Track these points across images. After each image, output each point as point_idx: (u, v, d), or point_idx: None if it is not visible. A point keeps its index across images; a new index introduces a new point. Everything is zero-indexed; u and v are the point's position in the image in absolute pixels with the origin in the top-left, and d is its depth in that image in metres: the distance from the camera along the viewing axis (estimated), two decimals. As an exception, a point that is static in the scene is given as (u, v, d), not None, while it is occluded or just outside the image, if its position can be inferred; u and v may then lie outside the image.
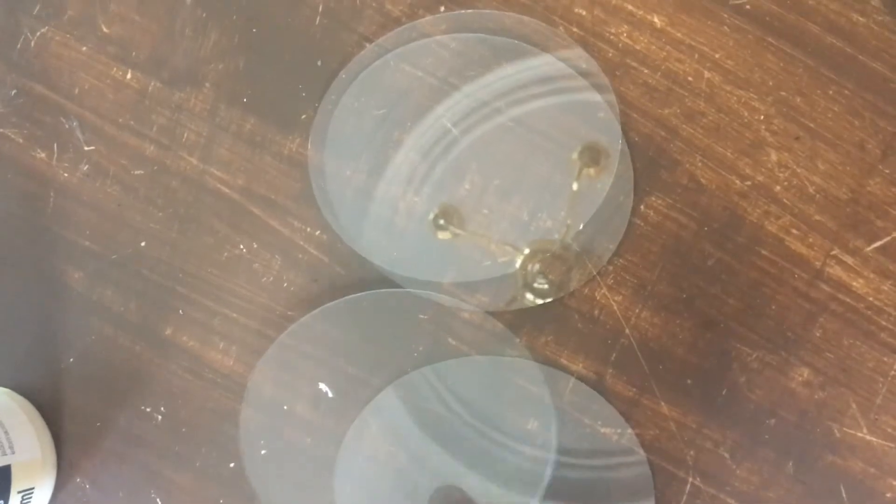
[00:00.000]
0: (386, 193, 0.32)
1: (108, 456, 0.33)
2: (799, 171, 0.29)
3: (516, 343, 0.31)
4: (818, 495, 0.31)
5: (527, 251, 0.30)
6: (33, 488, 0.32)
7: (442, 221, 0.31)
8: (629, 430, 0.30)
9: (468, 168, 0.31)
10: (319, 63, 0.32)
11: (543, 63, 0.30)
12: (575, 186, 0.30)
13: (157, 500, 0.33)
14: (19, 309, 0.33)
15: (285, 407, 0.32)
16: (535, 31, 0.30)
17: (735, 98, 0.30)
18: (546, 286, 0.30)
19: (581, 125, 0.30)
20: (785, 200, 0.30)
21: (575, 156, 0.30)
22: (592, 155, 0.30)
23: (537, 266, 0.30)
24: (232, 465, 0.32)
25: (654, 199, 0.30)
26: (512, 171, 0.31)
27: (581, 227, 0.31)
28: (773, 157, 0.30)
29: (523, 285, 0.30)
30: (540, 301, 0.30)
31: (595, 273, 0.31)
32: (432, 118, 0.31)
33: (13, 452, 0.31)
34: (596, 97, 0.29)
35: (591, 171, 0.30)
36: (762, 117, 0.30)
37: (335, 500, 0.31)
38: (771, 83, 0.29)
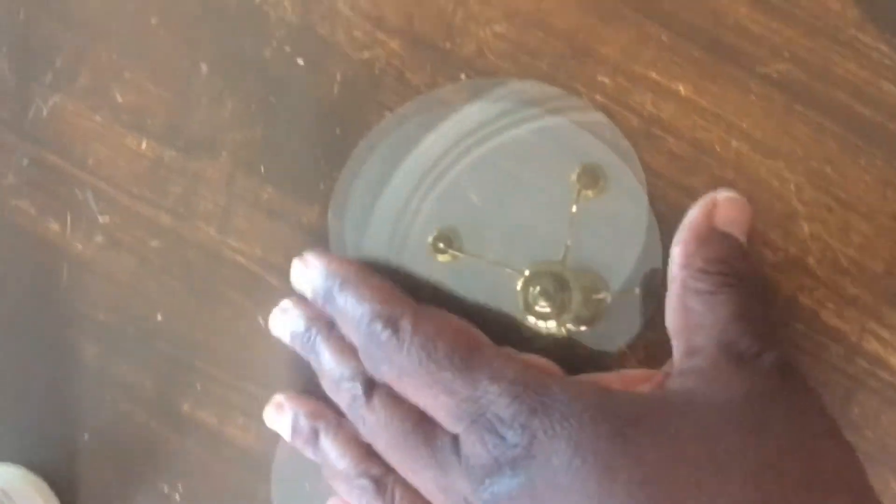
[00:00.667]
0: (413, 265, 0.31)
1: None
2: (832, 242, 0.29)
3: None
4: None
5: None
6: None
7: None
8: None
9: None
10: (338, 132, 0.31)
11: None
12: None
13: None
14: (33, 384, 0.33)
15: (307, 485, 0.31)
16: (557, 96, 0.30)
17: (764, 167, 0.29)
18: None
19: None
20: (818, 273, 0.29)
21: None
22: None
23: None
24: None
25: None
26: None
27: (608, 298, 0.30)
28: (805, 228, 0.29)
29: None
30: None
31: (625, 349, 0.30)
32: (454, 185, 0.31)
33: None
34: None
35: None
36: (793, 187, 0.29)
37: None
38: (800, 153, 0.29)
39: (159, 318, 0.32)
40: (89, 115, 0.33)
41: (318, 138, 0.32)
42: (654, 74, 0.30)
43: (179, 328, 0.32)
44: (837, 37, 0.29)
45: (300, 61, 0.31)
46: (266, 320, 0.32)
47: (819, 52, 0.29)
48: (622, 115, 0.30)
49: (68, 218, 0.33)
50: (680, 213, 0.29)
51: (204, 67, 0.32)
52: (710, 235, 0.26)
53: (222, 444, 0.32)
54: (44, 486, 0.33)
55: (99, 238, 0.33)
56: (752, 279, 0.25)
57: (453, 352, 0.25)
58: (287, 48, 0.31)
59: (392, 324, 0.26)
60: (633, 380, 0.26)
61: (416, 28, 0.31)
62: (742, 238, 0.26)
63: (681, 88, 0.30)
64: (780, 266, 0.29)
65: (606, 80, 0.30)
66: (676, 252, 0.26)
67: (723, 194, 0.27)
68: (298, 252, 0.31)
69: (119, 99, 0.32)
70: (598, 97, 0.30)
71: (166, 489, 0.32)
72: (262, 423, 0.32)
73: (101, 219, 0.33)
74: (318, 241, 0.32)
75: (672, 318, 0.26)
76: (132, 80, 0.32)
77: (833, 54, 0.29)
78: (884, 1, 0.28)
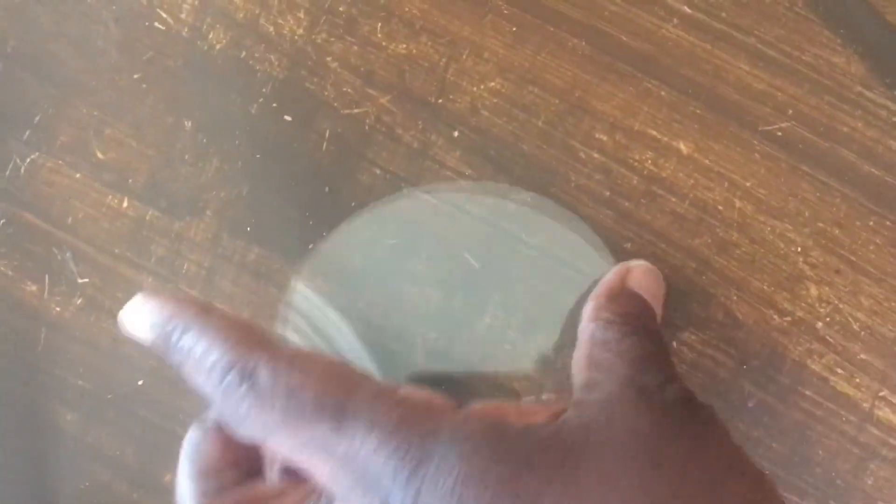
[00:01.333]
0: (402, 328, 0.30)
1: None
2: (841, 306, 0.28)
3: None
4: None
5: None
6: None
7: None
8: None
9: (490, 300, 0.29)
10: (327, 190, 0.30)
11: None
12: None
13: None
14: (7, 452, 0.32)
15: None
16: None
17: (769, 228, 0.28)
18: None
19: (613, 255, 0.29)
20: (828, 338, 0.28)
21: None
22: None
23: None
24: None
25: (687, 335, 0.29)
26: (536, 304, 0.29)
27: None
28: (813, 291, 0.28)
29: None
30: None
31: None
32: (449, 247, 0.30)
33: None
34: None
35: None
36: (799, 249, 0.28)
37: None
38: (807, 213, 0.28)
39: (140, 383, 0.31)
40: (69, 172, 0.32)
41: (307, 196, 0.31)
42: (653, 132, 0.29)
43: (161, 394, 0.31)
44: (843, 94, 0.28)
45: (287, 118, 0.30)
46: None
47: (824, 111, 0.28)
48: (621, 173, 0.29)
49: (46, 279, 0.32)
50: (682, 275, 0.28)
51: (188, 124, 0.31)
52: (620, 293, 0.26)
53: None
54: None
55: (78, 300, 0.32)
56: (656, 332, 0.25)
57: (323, 401, 0.21)
58: (274, 104, 0.31)
59: (249, 375, 0.22)
60: (530, 411, 0.24)
61: (408, 83, 0.30)
62: (652, 302, 0.26)
63: (682, 146, 0.29)
64: (787, 330, 0.28)
65: (604, 138, 0.29)
66: (587, 308, 0.26)
67: (637, 262, 0.27)
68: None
69: (100, 156, 0.31)
70: (596, 155, 0.29)
71: None
72: None
73: (80, 280, 0.32)
74: (303, 307, 0.30)
75: (576, 367, 0.25)
76: (113, 137, 0.31)
77: (839, 112, 0.28)
78: (890, 57, 0.28)
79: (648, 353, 0.24)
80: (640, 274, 0.27)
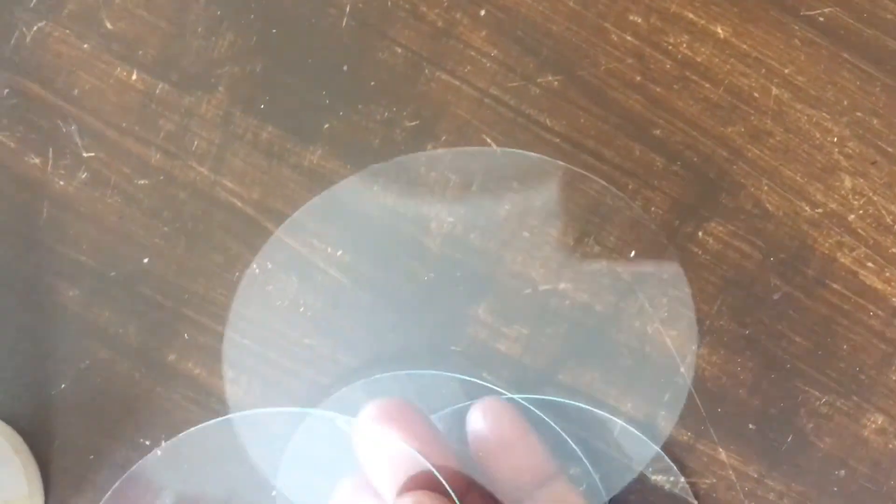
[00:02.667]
0: (416, 213, 0.29)
1: (102, 493, 0.31)
2: (875, 198, 0.27)
3: (558, 381, 0.29)
4: (892, 555, 0.29)
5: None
6: None
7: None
8: (682, 479, 0.28)
9: (508, 186, 0.29)
10: (345, 68, 0.30)
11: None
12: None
13: None
14: (7, 329, 0.31)
15: (299, 445, 0.30)
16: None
17: (806, 117, 0.28)
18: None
19: (638, 143, 0.28)
20: (860, 230, 0.28)
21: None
22: None
23: (585, 296, 0.28)
24: (238, 506, 0.30)
25: (713, 225, 0.28)
26: (557, 191, 0.29)
27: (632, 254, 0.28)
28: (847, 182, 0.27)
29: None
30: None
31: (646, 304, 0.29)
32: (470, 131, 0.29)
33: None
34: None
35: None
36: (835, 139, 0.28)
37: None
38: (846, 102, 0.27)
39: (145, 261, 0.31)
40: (76, 42, 0.31)
41: (324, 75, 0.29)
42: (690, 14, 0.28)
43: (167, 273, 0.31)
44: (890, -23, 0.27)
45: (307, -11, 0.29)
46: (261, 268, 0.30)
47: (869, -5, 0.27)
48: (654, 57, 0.28)
49: (50, 152, 0.31)
50: (713, 163, 0.27)
51: (202, -7, 0.30)
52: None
53: (209, 397, 0.31)
54: (16, 437, 0.31)
55: (83, 175, 0.31)
56: None
57: None
58: (294, -26, 0.29)
59: None
60: None
61: (435, -43, 0.29)
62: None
63: (719, 30, 0.28)
64: (818, 222, 0.28)
65: (639, 20, 0.28)
66: None
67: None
68: (299, 196, 0.29)
69: (109, 26, 0.30)
70: (629, 38, 0.28)
71: (148, 443, 0.31)
72: (253, 377, 0.30)
73: (85, 154, 0.31)
74: (322, 185, 0.30)
75: None
76: (123, 7, 0.30)
77: (884, -3, 0.27)
78: (941, -59, 0.27)
79: None
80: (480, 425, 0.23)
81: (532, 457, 0.24)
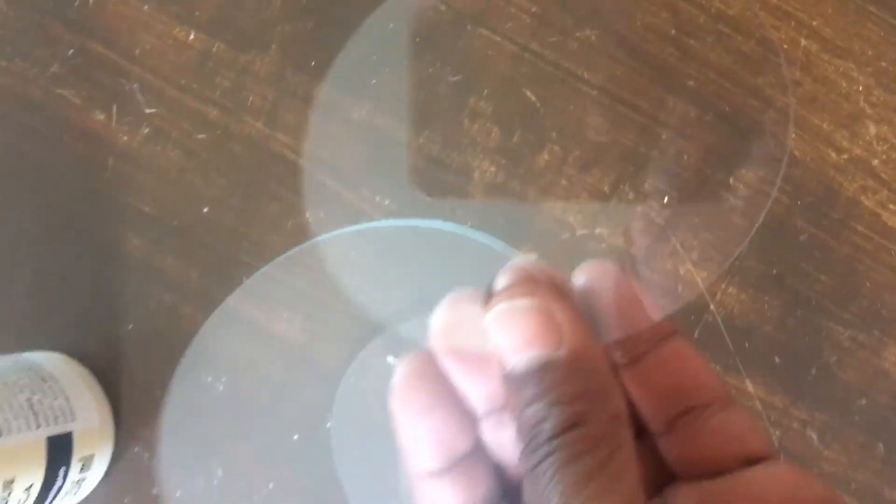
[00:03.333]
0: (459, 163, 0.31)
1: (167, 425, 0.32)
2: (899, 144, 0.29)
3: None
4: (910, 479, 0.30)
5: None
6: (93, 455, 0.32)
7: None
8: None
9: (547, 137, 0.30)
10: (391, 26, 0.31)
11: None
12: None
13: (219, 471, 0.33)
14: (77, 275, 0.33)
15: (351, 381, 0.31)
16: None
17: (833, 68, 0.29)
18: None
19: (671, 94, 0.29)
20: (883, 175, 0.29)
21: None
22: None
23: (620, 240, 0.30)
24: (296, 437, 0.32)
25: (744, 171, 0.29)
26: (594, 141, 0.30)
27: (665, 199, 0.30)
28: (872, 129, 0.29)
29: None
30: None
31: (679, 246, 0.30)
32: (511, 85, 0.30)
33: (74, 419, 0.31)
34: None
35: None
36: (861, 88, 0.29)
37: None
38: (871, 53, 0.28)
39: (205, 211, 0.32)
40: (137, 4, 0.32)
41: (371, 32, 0.31)
42: (722, -30, 0.29)
43: (225, 222, 0.32)
44: (916, -69, 0.28)
45: (356, -50, 0.31)
46: (314, 217, 0.31)
47: (897, -53, 0.28)
48: (688, 11, 0.29)
49: (114, 109, 0.32)
50: (744, 113, 0.28)
51: (257, -45, 0.31)
52: (507, 395, 0.18)
53: (267, 337, 0.32)
54: (88, 374, 0.33)
55: (145, 130, 0.32)
56: (569, 443, 0.17)
57: None
58: (343, -64, 0.31)
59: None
60: None
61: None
62: (545, 350, 0.18)
63: (750, -15, 0.29)
64: (844, 167, 0.29)
65: (672, -24, 0.29)
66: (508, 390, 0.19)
67: (491, 313, 0.19)
68: (348, 149, 0.31)
69: (167, -12, 0.32)
70: (663, -7, 0.29)
71: (210, 379, 0.32)
72: (307, 317, 0.31)
73: (147, 110, 0.32)
74: (369, 138, 0.31)
75: None
76: (181, -31, 0.32)
77: (911, -50, 0.28)
78: None
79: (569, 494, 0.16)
80: (508, 332, 0.18)
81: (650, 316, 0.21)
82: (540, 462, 0.17)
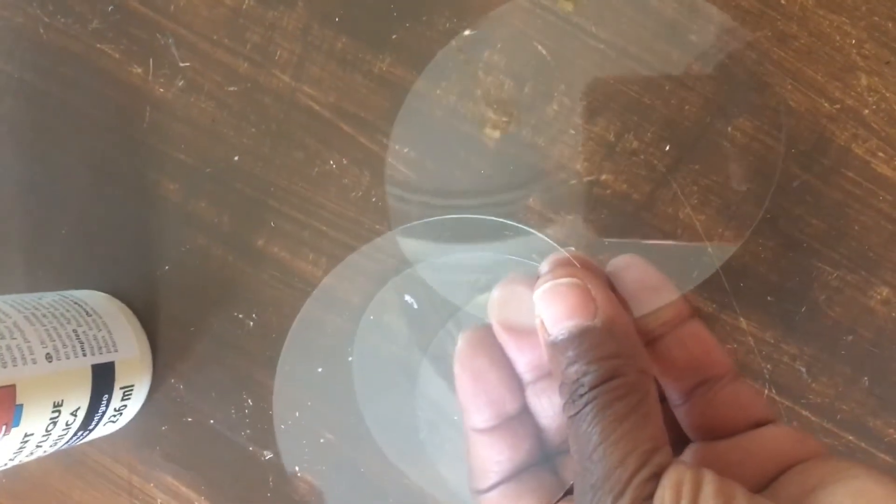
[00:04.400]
0: (474, 113, 0.32)
1: (201, 359, 0.35)
2: (888, 95, 0.30)
3: (599, 261, 0.32)
4: (892, 409, 0.32)
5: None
6: (133, 385, 0.34)
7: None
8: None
9: (557, 89, 0.32)
10: (412, -16, 0.32)
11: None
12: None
13: (249, 400, 0.35)
14: (117, 218, 0.35)
15: (371, 317, 0.33)
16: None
17: (827, 22, 0.30)
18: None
19: (675, 48, 0.30)
20: (873, 124, 0.30)
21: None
22: None
23: (624, 186, 0.31)
24: (320, 369, 0.34)
25: (742, 121, 0.31)
26: (600, 93, 0.31)
27: (667, 148, 0.31)
28: (864, 81, 0.30)
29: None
30: None
31: (679, 192, 0.31)
32: (523, 39, 0.32)
33: (116, 351, 0.33)
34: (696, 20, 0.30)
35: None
36: (854, 41, 0.30)
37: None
38: (864, 8, 0.30)
39: (236, 159, 0.34)
40: (171, -37, 0.34)
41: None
42: (723, -73, 0.30)
43: (255, 169, 0.34)
44: None
45: (378, -90, 0.32)
46: (337, 164, 0.33)
47: None
48: (690, -32, 0.30)
49: (150, 62, 0.34)
50: (741, 65, 0.29)
51: (285, -84, 0.33)
52: (551, 356, 0.22)
53: (293, 277, 0.34)
54: (127, 310, 0.35)
55: (180, 82, 0.34)
56: (608, 390, 0.20)
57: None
58: None
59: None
60: None
61: None
62: (584, 318, 0.21)
63: (750, -58, 0.30)
64: (836, 117, 0.30)
65: (677, -65, 0.30)
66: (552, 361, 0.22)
67: (538, 291, 0.22)
68: (370, 100, 0.32)
69: (200, -53, 0.33)
70: (667, -49, 0.31)
71: (240, 316, 0.34)
72: (331, 259, 0.33)
73: (182, 64, 0.34)
74: (390, 90, 0.33)
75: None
76: (213, -71, 0.33)
77: None
78: None
79: (603, 434, 0.19)
80: (552, 307, 0.22)
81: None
82: (581, 409, 0.20)
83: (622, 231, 0.32)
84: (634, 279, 0.24)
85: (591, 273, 0.22)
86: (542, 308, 0.22)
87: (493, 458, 0.24)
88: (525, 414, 0.25)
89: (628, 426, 0.19)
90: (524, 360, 0.24)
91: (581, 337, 0.21)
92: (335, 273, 0.33)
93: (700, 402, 0.23)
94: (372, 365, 0.33)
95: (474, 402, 0.24)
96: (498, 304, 0.24)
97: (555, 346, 0.21)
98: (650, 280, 0.24)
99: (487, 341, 0.25)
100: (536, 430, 0.25)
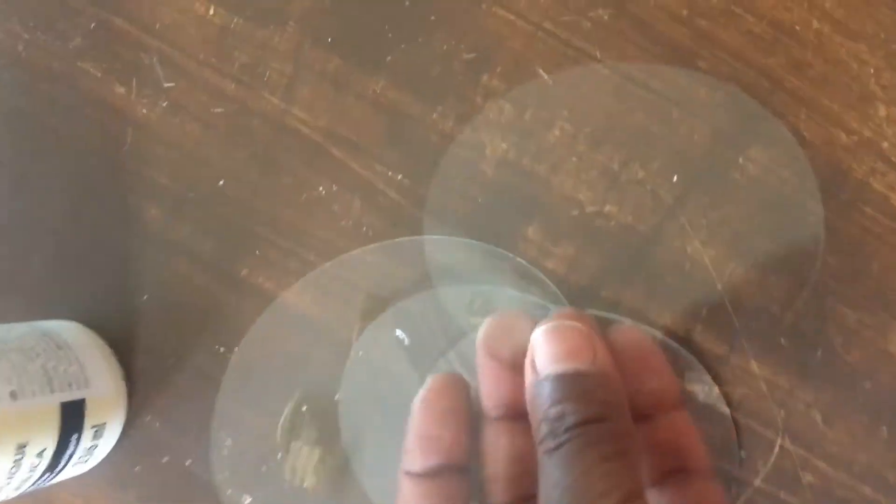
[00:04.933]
0: (473, 139, 0.31)
1: (180, 394, 0.33)
2: (909, 127, 0.29)
3: (602, 297, 0.30)
4: (913, 461, 0.30)
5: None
6: (105, 423, 0.32)
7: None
8: (716, 389, 0.30)
9: (559, 115, 0.30)
10: (407, 3, 0.31)
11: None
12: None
13: (228, 440, 0.33)
14: (94, 244, 0.33)
15: (360, 353, 0.32)
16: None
17: (844, 49, 0.29)
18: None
19: (682, 76, 0.29)
20: (892, 158, 0.29)
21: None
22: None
23: (629, 218, 0.30)
24: (304, 408, 0.32)
25: (754, 151, 0.29)
26: (604, 119, 0.30)
27: (675, 179, 0.30)
28: (882, 111, 0.29)
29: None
30: None
31: (687, 225, 0.30)
32: (523, 63, 0.30)
33: (88, 387, 0.31)
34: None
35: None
36: (872, 70, 0.29)
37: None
38: (883, 36, 0.28)
39: (221, 184, 0.32)
40: (158, -21, 0.32)
41: (387, 9, 0.31)
42: (736, -49, 0.29)
43: (241, 195, 0.32)
44: (930, -86, 0.28)
45: (374, -72, 0.31)
46: (327, 190, 0.32)
47: (910, -71, 0.28)
48: (701, -8, 0.29)
49: (134, 82, 0.33)
50: (754, 93, 0.28)
51: (276, -68, 0.31)
52: (538, 391, 0.21)
53: (279, 310, 0.32)
54: (102, 342, 0.33)
55: (164, 103, 0.33)
56: (588, 432, 0.20)
57: None
58: (361, -87, 0.31)
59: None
60: None
61: None
62: (577, 364, 0.21)
63: (763, -34, 0.29)
64: (853, 149, 0.29)
65: (686, -44, 0.29)
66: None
67: (537, 331, 0.22)
68: (364, 125, 0.31)
69: (188, -36, 0.32)
70: (676, -26, 0.29)
71: (222, 349, 0.33)
72: (319, 290, 0.32)
73: (166, 84, 0.32)
74: (384, 113, 0.31)
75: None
76: (202, -55, 0.32)
77: (925, -68, 0.28)
78: None
79: (581, 470, 0.19)
80: (548, 347, 0.22)
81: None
82: (564, 444, 0.20)
83: (626, 265, 0.31)
84: (635, 355, 0.24)
85: (594, 331, 0.22)
86: (541, 344, 0.22)
87: None
88: (465, 471, 0.24)
89: (615, 466, 0.19)
90: (497, 393, 0.24)
91: (575, 379, 0.21)
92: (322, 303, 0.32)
93: (672, 489, 0.24)
94: (360, 404, 0.31)
95: (423, 444, 0.24)
96: (489, 331, 0.24)
97: (543, 385, 0.21)
98: (651, 361, 0.24)
99: (453, 387, 0.25)
100: (474, 491, 0.24)
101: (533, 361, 0.22)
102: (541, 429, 0.20)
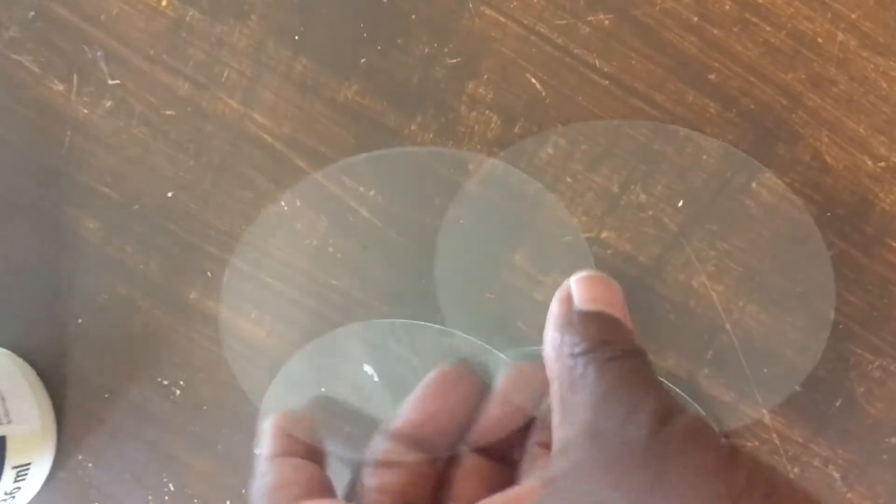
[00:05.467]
0: (456, 153, 0.28)
1: (116, 432, 0.31)
2: (943, 153, 0.26)
3: None
4: (941, 528, 0.28)
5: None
6: (30, 464, 0.30)
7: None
8: (723, 441, 0.27)
9: (553, 130, 0.28)
10: (385, 0, 0.28)
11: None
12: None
13: (170, 485, 0.30)
14: (25, 260, 0.31)
15: (323, 389, 0.29)
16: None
17: (872, 66, 0.27)
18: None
19: (687, 87, 0.27)
20: (924, 187, 0.27)
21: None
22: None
23: (628, 247, 0.28)
24: (258, 451, 0.29)
25: (768, 176, 0.27)
26: (602, 136, 0.28)
27: (680, 204, 0.27)
28: (914, 136, 0.26)
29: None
30: None
31: (693, 256, 0.28)
32: (515, 71, 0.28)
33: (10, 422, 0.29)
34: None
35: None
36: (903, 90, 0.26)
37: None
38: (915, 51, 0.26)
39: (170, 195, 0.30)
40: (105, -36, 0.30)
41: (362, 5, 0.28)
42: (753, -47, 0.27)
43: (192, 208, 0.30)
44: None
45: (350, -86, 0.28)
46: (290, 206, 0.29)
47: (948, -65, 0.26)
48: (713, -3, 0.27)
49: (75, 78, 0.30)
50: (770, 111, 0.26)
51: (239, -86, 0.29)
52: (571, 320, 0.23)
53: (232, 338, 0.30)
54: (30, 371, 0.31)
55: (108, 103, 0.30)
56: (623, 354, 0.22)
57: None
58: None
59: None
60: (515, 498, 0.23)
61: None
62: (612, 311, 0.23)
63: (783, -30, 0.26)
64: (880, 177, 0.27)
65: (698, -43, 0.27)
66: (546, 352, 0.23)
67: (576, 276, 0.24)
68: (332, 134, 0.29)
69: (139, -51, 0.29)
70: (686, -24, 0.27)
71: (165, 382, 0.31)
72: (277, 317, 0.29)
73: (111, 81, 0.30)
74: (356, 121, 0.29)
75: (552, 422, 0.22)
76: (155, -71, 0.29)
77: (963, -61, 0.26)
78: None
79: (613, 388, 0.21)
80: (586, 286, 0.23)
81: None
82: (589, 363, 0.21)
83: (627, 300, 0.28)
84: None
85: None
86: (582, 286, 0.23)
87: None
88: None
89: (648, 378, 0.21)
90: (484, 424, 0.25)
91: (607, 319, 0.22)
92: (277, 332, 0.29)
93: None
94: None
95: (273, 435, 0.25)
96: (507, 379, 0.25)
97: (576, 316, 0.23)
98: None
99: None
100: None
101: (569, 296, 0.23)
102: (572, 345, 0.22)
